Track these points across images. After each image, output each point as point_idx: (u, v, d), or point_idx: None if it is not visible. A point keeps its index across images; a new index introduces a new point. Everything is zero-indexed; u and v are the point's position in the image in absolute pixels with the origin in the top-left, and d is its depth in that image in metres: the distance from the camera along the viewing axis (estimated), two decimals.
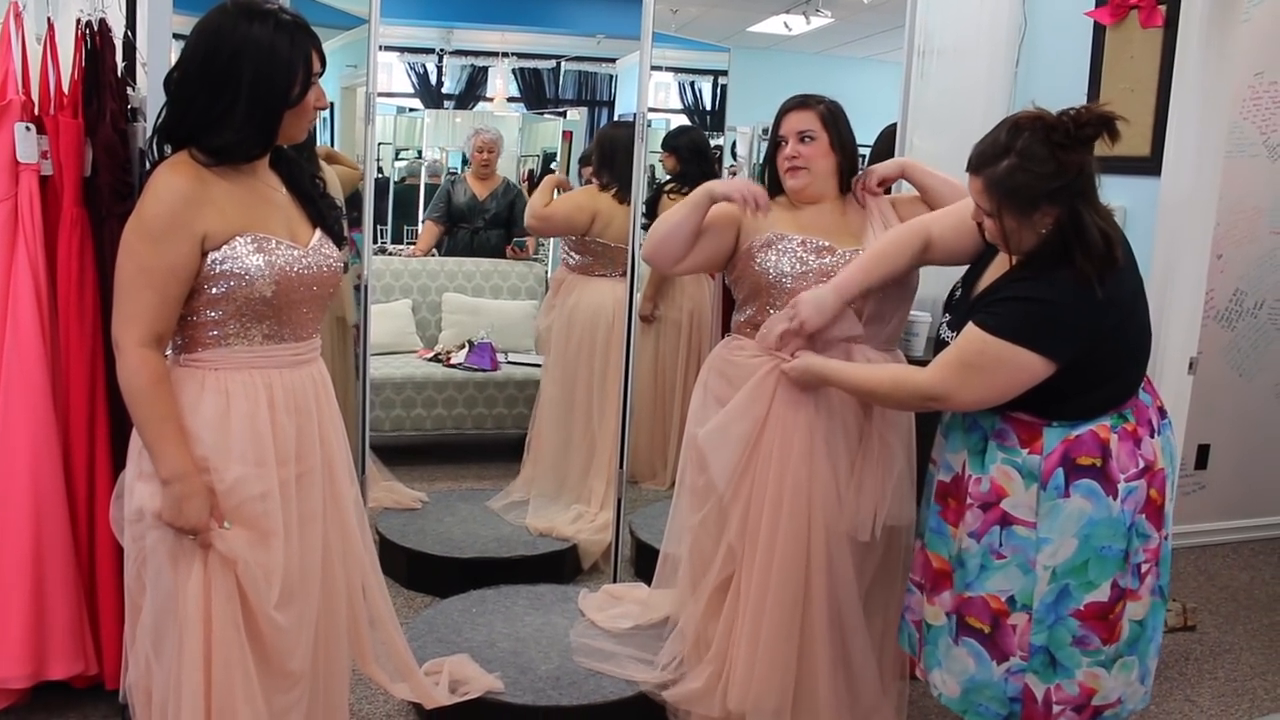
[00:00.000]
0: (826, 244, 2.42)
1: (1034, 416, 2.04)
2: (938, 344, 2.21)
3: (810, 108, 2.47)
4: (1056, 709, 2.08)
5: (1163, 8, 2.94)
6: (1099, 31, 3.16)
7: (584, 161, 5.17)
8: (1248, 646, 3.45)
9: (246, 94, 1.76)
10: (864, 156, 3.41)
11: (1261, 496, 4.40)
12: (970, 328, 2.02)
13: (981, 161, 1.99)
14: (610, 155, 3.91)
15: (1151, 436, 2.08)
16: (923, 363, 2.25)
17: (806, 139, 2.45)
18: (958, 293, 2.25)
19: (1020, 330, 1.96)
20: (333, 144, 4.17)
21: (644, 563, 3.52)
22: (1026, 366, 1.96)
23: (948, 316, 2.22)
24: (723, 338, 2.65)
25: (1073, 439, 2.02)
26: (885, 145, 3.56)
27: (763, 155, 5.35)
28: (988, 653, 2.11)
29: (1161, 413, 2.16)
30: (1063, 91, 3.30)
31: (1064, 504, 2.02)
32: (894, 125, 3.49)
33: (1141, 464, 2.04)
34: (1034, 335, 1.95)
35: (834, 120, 2.48)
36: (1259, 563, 4.18)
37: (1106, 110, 1.93)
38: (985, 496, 2.10)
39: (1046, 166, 1.91)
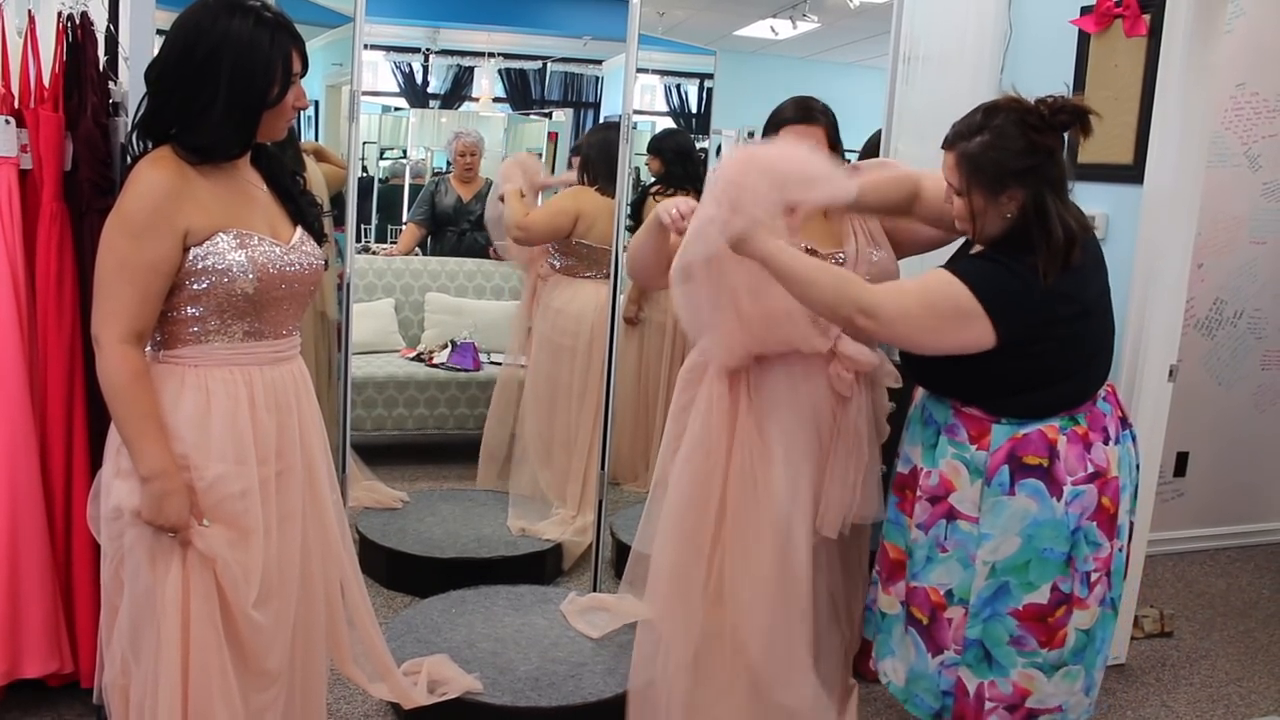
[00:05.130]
0: (810, 246, 2.42)
1: (984, 413, 2.07)
2: None
3: (817, 123, 2.44)
4: (989, 705, 2.10)
5: (1147, 17, 2.96)
6: (1083, 39, 3.18)
7: (575, 152, 5.17)
8: (1224, 653, 3.47)
9: (225, 91, 1.75)
10: (849, 162, 3.41)
11: (1239, 504, 4.43)
12: (941, 272, 2.01)
13: (956, 137, 2.04)
14: (599, 156, 3.92)
15: (1105, 444, 2.08)
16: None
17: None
18: None
19: (992, 292, 1.96)
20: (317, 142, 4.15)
21: (624, 564, 3.50)
22: (975, 328, 1.96)
23: None
24: None
25: (1020, 437, 2.04)
26: (871, 152, 3.57)
27: None
28: (924, 644, 2.14)
29: (1123, 423, 2.17)
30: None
31: (1008, 501, 2.04)
32: (879, 132, 3.50)
33: (1091, 469, 2.05)
34: (997, 302, 1.96)
35: (835, 133, 2.49)
36: (1236, 569, 4.21)
37: (1080, 102, 1.99)
38: (934, 490, 2.13)
39: (1017, 144, 1.96)
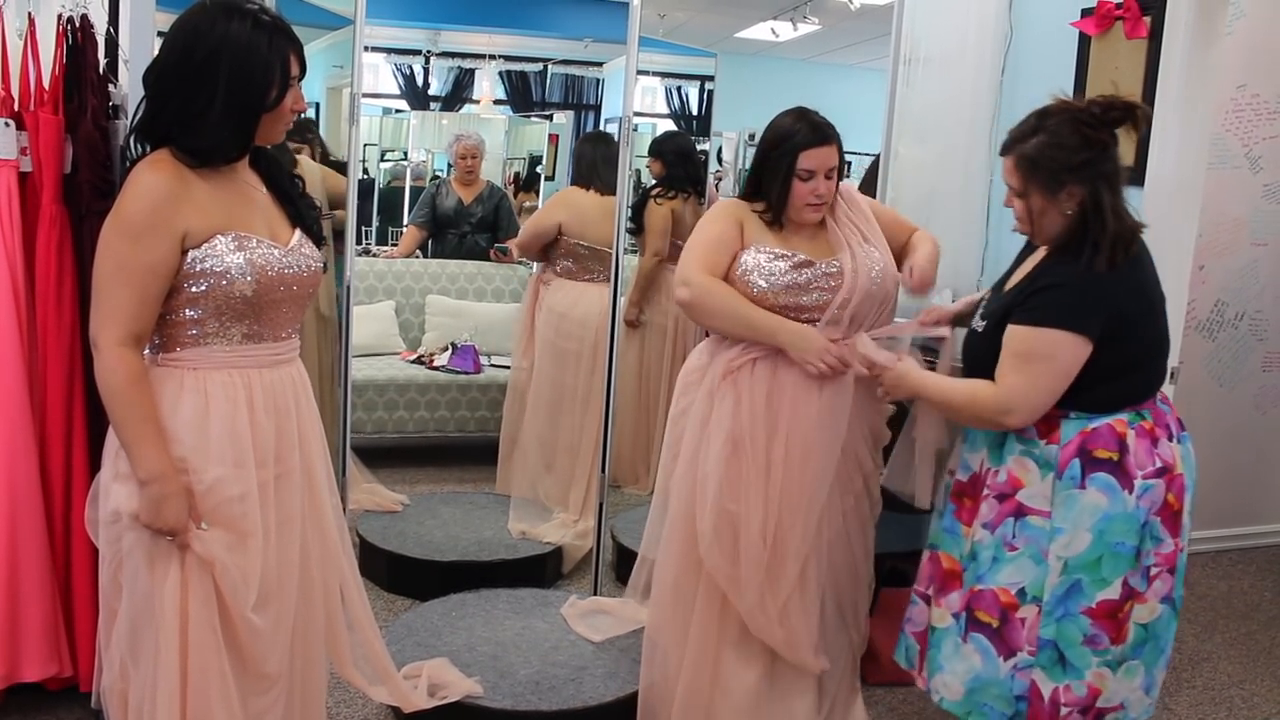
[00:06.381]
0: (805, 258, 2.43)
1: (1053, 408, 2.08)
2: (968, 337, 2.29)
3: (831, 143, 2.44)
4: (1064, 710, 2.09)
5: (1147, 19, 2.96)
6: (1084, 41, 3.18)
7: None
8: (1225, 655, 3.47)
9: (223, 94, 1.75)
10: (848, 164, 3.41)
11: (1240, 506, 4.42)
12: (1011, 330, 2.08)
13: (1012, 141, 2.12)
14: (581, 163, 4.21)
15: (1170, 440, 2.12)
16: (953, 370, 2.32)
17: (831, 175, 2.44)
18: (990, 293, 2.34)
19: (1055, 316, 2.03)
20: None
21: (625, 567, 3.51)
22: (1070, 349, 2.02)
23: (980, 309, 2.28)
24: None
25: (1090, 431, 2.07)
26: (870, 181, 3.58)
27: (748, 161, 5.37)
28: (995, 648, 2.13)
29: (1180, 424, 2.20)
30: (1047, 101, 3.32)
31: (1079, 495, 2.06)
32: (876, 160, 3.48)
33: (1159, 464, 2.08)
34: (1067, 316, 2.02)
35: (842, 147, 2.48)
36: (1237, 572, 4.20)
37: (1131, 99, 2.06)
38: (1002, 487, 2.15)
39: (1072, 141, 2.04)
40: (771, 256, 2.41)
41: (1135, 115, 2.06)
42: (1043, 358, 2.03)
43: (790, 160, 2.39)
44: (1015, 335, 2.07)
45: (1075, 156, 2.03)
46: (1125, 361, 2.06)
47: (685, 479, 2.49)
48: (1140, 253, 2.09)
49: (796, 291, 2.40)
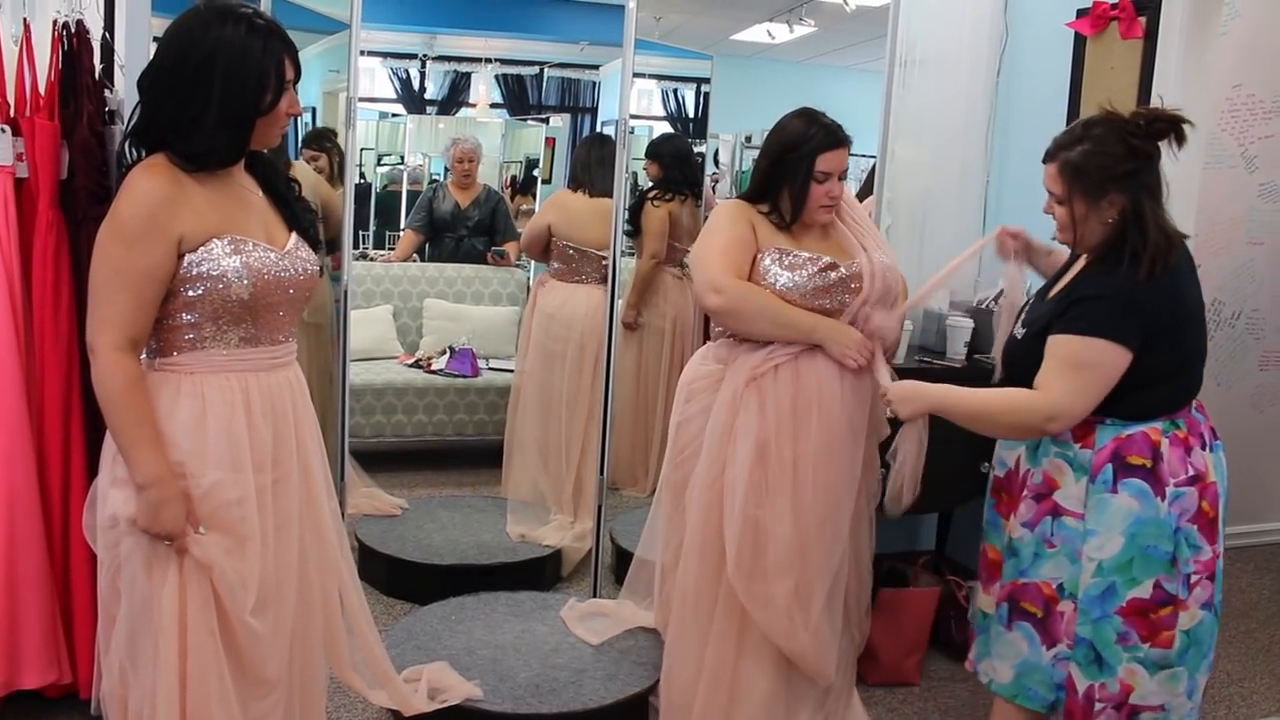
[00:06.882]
0: (830, 260, 2.44)
1: (1090, 413, 2.10)
2: (1008, 344, 2.29)
3: (844, 144, 2.46)
4: (1099, 706, 2.13)
5: (1143, 19, 2.97)
6: (1079, 42, 3.19)
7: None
8: (1225, 654, 3.46)
9: (218, 99, 1.74)
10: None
11: (1238, 504, 4.38)
12: (1055, 338, 2.09)
13: (1057, 148, 2.13)
14: (576, 165, 4.25)
15: (1203, 449, 2.14)
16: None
17: (843, 176, 2.47)
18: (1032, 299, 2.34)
19: (1100, 325, 2.04)
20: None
21: (624, 570, 3.50)
22: (1112, 358, 2.03)
23: (1022, 316, 2.29)
24: (704, 344, 2.65)
25: (1124, 437, 2.09)
26: (868, 188, 3.58)
27: (746, 164, 5.37)
28: (1039, 636, 2.18)
29: (1214, 433, 2.22)
30: (1043, 101, 3.33)
31: (1111, 499, 2.09)
32: (874, 167, 3.48)
33: (1192, 472, 2.10)
34: (1110, 326, 2.03)
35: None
36: (1235, 570, 4.20)
37: (1177, 113, 2.08)
38: (1038, 488, 2.18)
39: (1117, 149, 2.06)
40: (798, 259, 2.42)
41: (1180, 129, 2.08)
42: (1090, 365, 2.04)
43: (809, 163, 2.41)
44: (1060, 344, 2.08)
45: (1120, 166, 2.05)
46: (1160, 371, 2.08)
47: (705, 488, 2.48)
48: (1180, 262, 2.11)
49: (821, 294, 2.41)
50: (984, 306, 3.27)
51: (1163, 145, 2.09)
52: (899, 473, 2.37)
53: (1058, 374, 2.06)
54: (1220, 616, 2.25)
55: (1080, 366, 2.05)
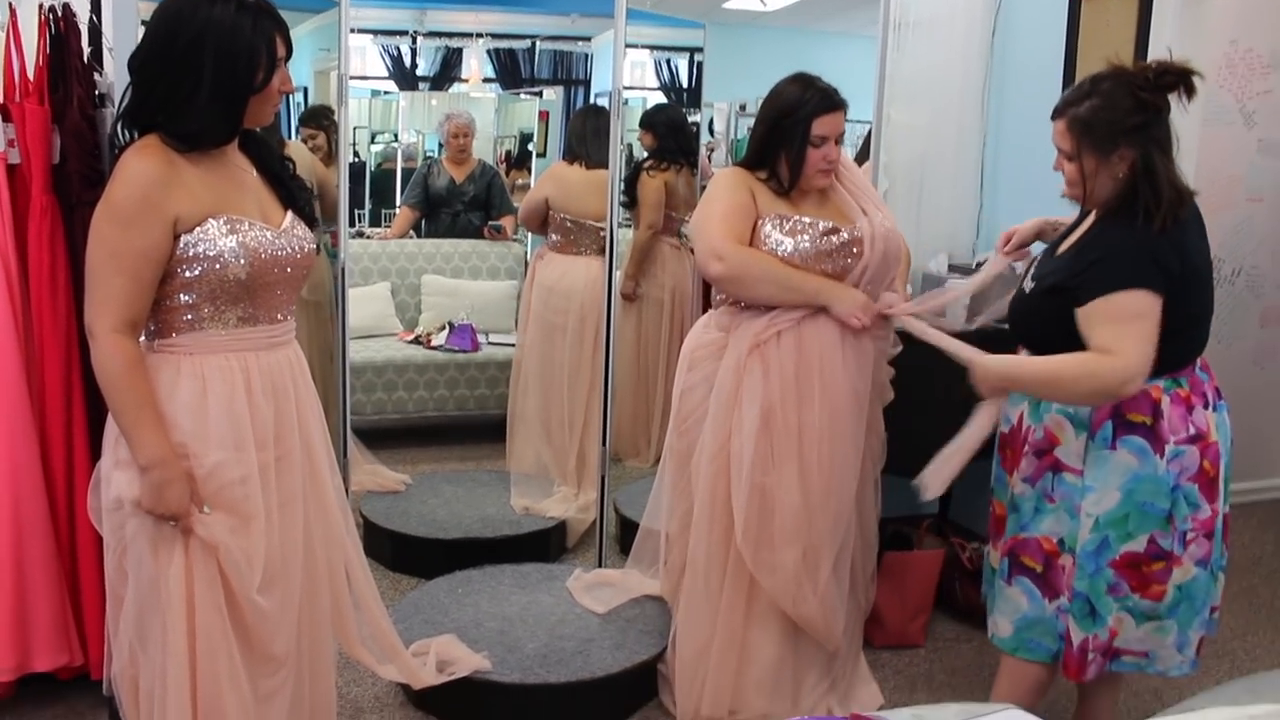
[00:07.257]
0: (831, 225, 2.44)
1: None
2: (1015, 297, 2.27)
3: (841, 108, 2.45)
4: (1090, 656, 2.17)
5: None
6: (1075, 0, 3.16)
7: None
8: (1227, 609, 3.48)
9: (209, 79, 1.74)
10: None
11: (1240, 461, 4.36)
12: (1093, 305, 2.02)
13: (1065, 104, 2.11)
14: (571, 137, 4.22)
15: (1205, 408, 2.14)
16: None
17: (840, 140, 2.46)
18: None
19: (1131, 276, 2.00)
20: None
21: (628, 539, 3.52)
22: (1154, 306, 2.00)
23: (1031, 270, 2.27)
24: (704, 313, 2.66)
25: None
26: (864, 153, 3.56)
27: (741, 132, 5.34)
28: (1039, 590, 2.21)
29: (1218, 392, 2.22)
30: (1039, 61, 3.31)
31: (1110, 455, 2.10)
32: (870, 132, 3.45)
33: (1193, 430, 2.10)
34: (1141, 276, 2.00)
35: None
36: (1238, 526, 4.20)
37: (1186, 65, 2.05)
38: (1039, 444, 2.19)
39: (1126, 103, 2.04)
40: (799, 225, 2.42)
41: (1189, 81, 2.05)
42: (1142, 315, 1.99)
43: (805, 127, 2.40)
44: (1100, 307, 2.01)
45: (1129, 119, 2.03)
46: (1164, 329, 2.04)
47: (712, 457, 2.49)
48: (1189, 218, 2.08)
49: (823, 258, 2.42)
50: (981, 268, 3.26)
51: (1172, 98, 2.07)
52: (953, 453, 2.21)
53: (1118, 333, 1.99)
54: (1225, 572, 2.25)
55: (1136, 318, 1.99)
